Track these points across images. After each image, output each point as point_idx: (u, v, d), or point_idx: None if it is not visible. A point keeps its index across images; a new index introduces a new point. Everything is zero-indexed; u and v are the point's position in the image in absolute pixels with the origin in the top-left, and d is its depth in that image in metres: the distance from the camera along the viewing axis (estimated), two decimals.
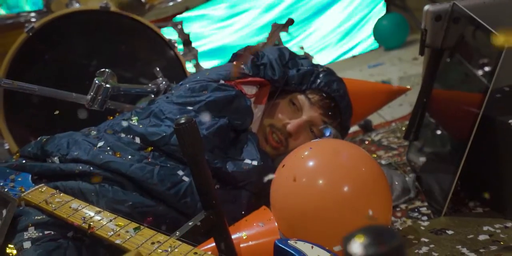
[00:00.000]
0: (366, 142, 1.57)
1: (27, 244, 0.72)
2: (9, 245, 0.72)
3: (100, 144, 0.95)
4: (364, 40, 3.30)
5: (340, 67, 2.70)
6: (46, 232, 0.75)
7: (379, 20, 3.09)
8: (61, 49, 1.72)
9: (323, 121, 1.13)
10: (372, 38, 3.21)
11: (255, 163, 1.00)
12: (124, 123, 1.01)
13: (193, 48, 2.36)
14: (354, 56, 3.26)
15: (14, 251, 0.71)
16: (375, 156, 1.43)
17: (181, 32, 2.31)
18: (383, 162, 1.36)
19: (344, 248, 0.30)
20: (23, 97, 1.57)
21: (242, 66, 1.18)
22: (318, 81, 1.15)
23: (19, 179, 0.87)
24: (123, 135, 0.98)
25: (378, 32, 3.08)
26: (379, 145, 1.52)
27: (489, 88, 0.82)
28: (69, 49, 1.74)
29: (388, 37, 3.06)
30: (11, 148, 1.52)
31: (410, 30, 2.97)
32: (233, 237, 0.84)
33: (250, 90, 1.16)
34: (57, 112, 1.29)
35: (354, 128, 1.71)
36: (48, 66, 1.67)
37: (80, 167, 0.89)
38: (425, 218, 1.02)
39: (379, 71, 2.64)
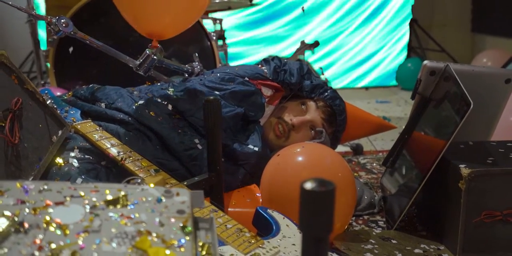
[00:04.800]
0: (353, 163, 1.78)
1: (71, 160, 0.92)
2: (58, 158, 0.92)
3: (141, 102, 1.15)
4: (381, 76, 3.54)
5: (350, 95, 2.92)
6: (86, 156, 0.95)
7: (404, 62, 3.37)
8: (114, 17, 1.93)
9: (322, 125, 1.34)
10: (387, 76, 3.46)
11: (256, 149, 1.20)
12: (162, 91, 1.22)
13: (225, 44, 2.58)
14: (367, 88, 3.48)
15: (61, 162, 0.91)
16: (357, 175, 1.63)
17: (218, 28, 2.52)
18: (361, 180, 1.56)
19: (300, 186, 0.49)
20: (73, 50, 1.79)
21: (265, 69, 1.40)
22: (326, 94, 1.39)
23: (72, 112, 1.07)
24: (159, 100, 1.19)
25: (400, 71, 3.35)
26: (362, 167, 1.72)
27: (451, 138, 1.02)
28: (120, 19, 1.95)
29: (407, 78, 3.29)
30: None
31: None
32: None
33: (266, 91, 1.38)
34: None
35: (346, 149, 1.93)
36: (100, 29, 1.88)
37: (121, 116, 1.09)
38: (379, 229, 1.22)
39: (384, 107, 2.85)
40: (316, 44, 2.70)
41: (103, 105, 1.13)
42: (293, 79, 1.38)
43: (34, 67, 2.61)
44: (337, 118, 1.39)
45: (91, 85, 1.22)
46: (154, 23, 1.18)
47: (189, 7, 1.19)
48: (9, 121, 0.83)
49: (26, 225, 0.52)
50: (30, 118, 0.89)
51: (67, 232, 0.52)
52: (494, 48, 3.05)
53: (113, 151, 0.94)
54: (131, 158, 0.94)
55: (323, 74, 2.91)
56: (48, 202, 0.56)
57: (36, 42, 2.15)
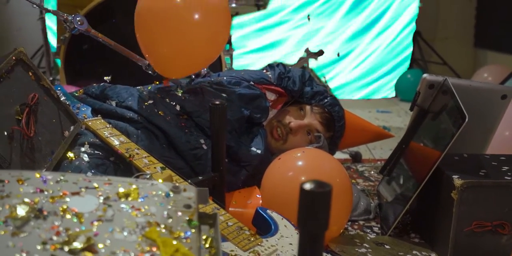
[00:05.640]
0: (351, 170, 1.82)
1: (82, 155, 0.96)
2: (70, 152, 0.96)
3: (150, 102, 1.19)
4: (383, 87, 3.58)
5: (351, 105, 2.95)
6: (96, 152, 0.99)
7: (404, 73, 3.39)
8: (125, 17, 1.97)
9: (317, 130, 1.39)
10: (390, 87, 3.51)
11: (259, 151, 1.24)
12: (171, 92, 1.26)
13: (232, 48, 2.62)
14: (368, 99, 3.52)
15: (72, 156, 0.95)
16: (354, 181, 1.67)
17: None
18: (359, 187, 1.60)
19: (300, 187, 0.53)
20: (83, 48, 1.84)
21: (270, 75, 1.45)
22: (326, 100, 1.43)
23: (83, 109, 1.11)
24: (168, 100, 1.23)
25: (400, 83, 3.38)
26: (360, 174, 1.76)
27: (446, 149, 1.07)
28: (130, 20, 2.00)
29: (407, 89, 3.32)
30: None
31: None
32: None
33: (270, 96, 1.43)
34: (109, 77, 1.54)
35: (345, 156, 1.97)
36: (112, 29, 1.91)
37: (131, 114, 1.14)
38: (374, 234, 1.26)
39: (385, 117, 2.89)
40: (320, 52, 2.75)
41: (113, 103, 1.18)
42: (295, 87, 1.43)
43: (42, 63, 2.65)
44: (335, 124, 1.43)
45: (102, 83, 1.26)
46: (167, 69, 1.25)
47: (200, 59, 1.28)
48: (25, 115, 0.87)
49: (45, 212, 0.56)
50: (44, 113, 0.93)
51: (82, 220, 0.56)
52: (495, 63, 3.10)
53: (122, 148, 0.98)
54: (138, 155, 0.98)
55: (324, 78, 2.95)
56: (65, 192, 0.60)
57: (47, 39, 2.19)
